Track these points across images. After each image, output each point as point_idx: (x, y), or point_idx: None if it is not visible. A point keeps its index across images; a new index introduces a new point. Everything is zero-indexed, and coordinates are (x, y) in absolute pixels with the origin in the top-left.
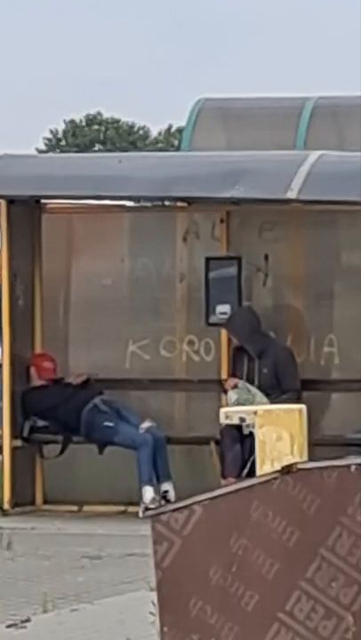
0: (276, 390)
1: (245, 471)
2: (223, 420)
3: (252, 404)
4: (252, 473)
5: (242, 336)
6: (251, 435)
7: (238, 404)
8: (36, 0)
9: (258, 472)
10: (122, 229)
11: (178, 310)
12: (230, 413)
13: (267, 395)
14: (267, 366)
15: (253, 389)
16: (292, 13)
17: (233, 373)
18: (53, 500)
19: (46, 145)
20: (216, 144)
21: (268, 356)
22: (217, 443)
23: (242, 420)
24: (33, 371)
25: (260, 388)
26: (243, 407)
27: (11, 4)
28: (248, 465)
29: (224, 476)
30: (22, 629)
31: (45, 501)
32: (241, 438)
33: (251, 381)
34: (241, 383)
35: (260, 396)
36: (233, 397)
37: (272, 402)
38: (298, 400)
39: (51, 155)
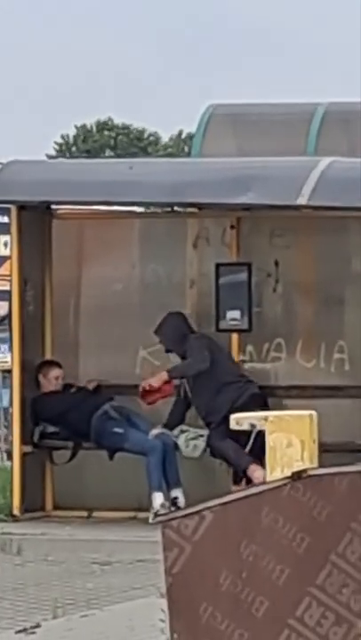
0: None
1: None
2: (233, 426)
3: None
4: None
5: (168, 341)
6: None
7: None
8: (50, 4)
9: (268, 478)
10: (132, 235)
11: (188, 316)
12: (240, 419)
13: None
14: None
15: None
16: (304, 20)
17: None
18: (63, 506)
19: (57, 150)
20: (226, 150)
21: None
22: None
23: (252, 425)
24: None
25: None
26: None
27: (26, 3)
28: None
29: (235, 482)
30: (32, 635)
31: (55, 507)
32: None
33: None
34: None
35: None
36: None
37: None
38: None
39: (61, 160)
